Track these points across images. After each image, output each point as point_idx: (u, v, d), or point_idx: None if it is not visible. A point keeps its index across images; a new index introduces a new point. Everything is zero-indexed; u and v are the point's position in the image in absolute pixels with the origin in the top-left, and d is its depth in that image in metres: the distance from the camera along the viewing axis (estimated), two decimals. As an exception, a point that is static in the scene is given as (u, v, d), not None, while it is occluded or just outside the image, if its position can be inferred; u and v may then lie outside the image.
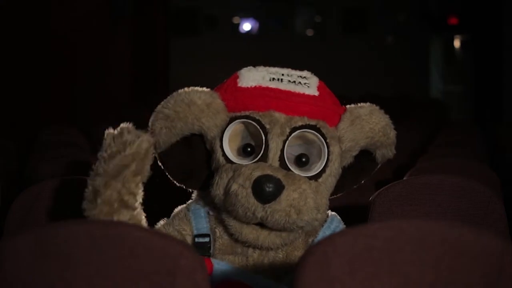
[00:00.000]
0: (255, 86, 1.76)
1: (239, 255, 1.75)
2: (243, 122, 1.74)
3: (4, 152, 3.92)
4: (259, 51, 11.47)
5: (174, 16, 11.34)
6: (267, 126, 1.71)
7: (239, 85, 1.78)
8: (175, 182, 1.84)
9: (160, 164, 1.80)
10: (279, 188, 1.62)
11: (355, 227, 1.31)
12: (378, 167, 1.92)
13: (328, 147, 1.73)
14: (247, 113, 1.74)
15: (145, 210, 1.72)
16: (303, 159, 1.73)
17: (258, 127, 1.71)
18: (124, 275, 1.29)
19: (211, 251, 1.76)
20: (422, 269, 1.28)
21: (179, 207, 1.86)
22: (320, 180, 1.73)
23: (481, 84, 9.96)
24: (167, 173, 1.82)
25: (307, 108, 1.75)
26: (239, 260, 1.75)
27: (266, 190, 1.61)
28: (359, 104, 1.86)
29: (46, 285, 1.29)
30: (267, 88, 1.76)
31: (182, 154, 1.79)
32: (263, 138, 1.70)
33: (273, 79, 1.78)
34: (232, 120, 1.74)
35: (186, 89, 1.77)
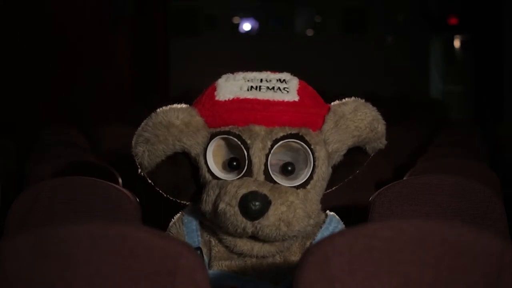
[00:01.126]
0: (233, 99, 1.72)
1: (236, 260, 1.75)
2: (223, 138, 1.71)
3: (4, 152, 3.92)
4: (259, 51, 11.49)
5: (174, 16, 11.35)
6: (248, 141, 1.68)
7: (216, 98, 1.73)
8: (167, 196, 1.83)
9: (150, 182, 1.80)
10: (266, 204, 1.61)
11: (355, 227, 1.31)
12: (371, 157, 1.88)
13: (313, 154, 1.70)
14: (227, 128, 1.70)
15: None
16: (289, 168, 1.70)
17: (239, 142, 1.68)
18: (124, 275, 1.29)
19: (205, 262, 1.75)
20: (422, 269, 1.28)
21: (175, 217, 1.86)
22: (308, 187, 1.70)
23: (481, 84, 9.96)
24: (158, 190, 1.82)
25: (287, 117, 1.70)
26: (237, 265, 1.75)
27: (252, 208, 1.60)
28: (343, 100, 1.79)
29: (46, 285, 1.29)
30: (245, 100, 1.71)
31: (169, 172, 1.78)
32: (245, 153, 1.68)
33: (251, 87, 1.73)
34: (213, 136, 1.71)
35: (164, 108, 1.74)
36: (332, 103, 1.80)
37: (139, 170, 1.79)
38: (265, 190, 1.63)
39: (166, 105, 1.78)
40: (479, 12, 9.88)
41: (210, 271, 1.74)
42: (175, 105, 1.76)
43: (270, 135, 1.69)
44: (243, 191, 1.63)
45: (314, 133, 1.73)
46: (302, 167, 1.71)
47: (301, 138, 1.70)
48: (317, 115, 1.75)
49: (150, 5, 9.42)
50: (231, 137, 1.69)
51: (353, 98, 1.81)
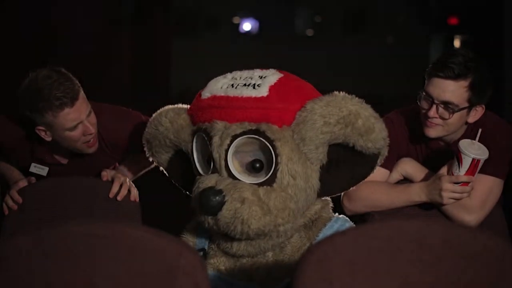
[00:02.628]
0: (210, 96, 1.74)
1: (227, 262, 1.76)
2: (198, 136, 1.76)
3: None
4: (259, 51, 11.47)
5: (174, 16, 11.34)
6: (212, 138, 1.70)
7: (201, 97, 1.78)
8: (184, 191, 1.89)
9: (167, 176, 1.91)
10: (221, 199, 1.62)
11: (355, 227, 1.31)
12: (379, 158, 1.75)
13: (274, 150, 1.66)
14: (201, 125, 1.75)
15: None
16: (257, 165, 1.67)
17: (206, 138, 1.72)
18: (124, 275, 1.29)
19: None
20: (422, 269, 1.28)
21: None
22: (275, 185, 1.66)
23: (481, 84, 9.94)
24: (176, 185, 1.91)
25: (246, 113, 1.68)
26: (228, 267, 1.76)
27: (208, 203, 1.62)
28: (320, 97, 1.71)
29: (46, 285, 1.29)
30: (215, 97, 1.73)
31: (182, 166, 1.85)
32: (210, 149, 1.71)
33: (231, 85, 1.72)
34: (193, 133, 1.77)
35: (162, 109, 1.85)
36: (309, 100, 1.71)
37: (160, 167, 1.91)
38: (222, 185, 1.64)
39: (166, 105, 1.84)
40: (479, 12, 9.87)
41: (215, 274, 1.75)
42: (171, 106, 1.84)
43: (227, 131, 1.67)
44: (202, 186, 1.67)
45: (278, 129, 1.67)
46: (270, 164, 1.68)
47: (262, 134, 1.66)
48: (283, 111, 1.68)
49: (150, 5, 9.41)
50: (201, 133, 1.74)
51: (335, 92, 1.72)
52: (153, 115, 1.86)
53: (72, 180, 2.21)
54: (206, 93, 1.76)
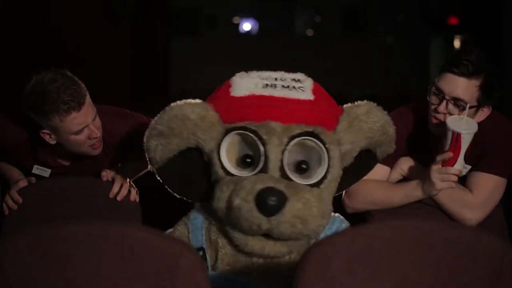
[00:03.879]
0: (249, 95, 1.72)
1: (242, 263, 1.74)
2: (239, 134, 1.71)
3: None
4: (259, 51, 11.48)
5: (174, 16, 11.35)
6: (265, 137, 1.67)
7: (232, 94, 1.74)
8: (175, 194, 1.83)
9: (158, 178, 1.79)
10: (283, 200, 1.61)
11: (355, 227, 1.31)
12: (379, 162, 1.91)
13: (328, 153, 1.71)
14: (243, 124, 1.70)
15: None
16: (304, 166, 1.70)
17: (256, 138, 1.68)
18: (124, 275, 1.29)
19: (207, 264, 1.75)
20: (422, 269, 1.28)
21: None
22: (322, 186, 1.71)
23: (481, 84, 9.94)
24: (166, 187, 1.81)
25: (303, 115, 1.71)
26: (242, 267, 1.74)
27: (269, 203, 1.60)
28: (356, 103, 1.82)
29: (46, 285, 1.29)
30: (261, 97, 1.72)
31: (180, 168, 1.77)
32: (262, 149, 1.68)
33: (267, 85, 1.74)
34: (228, 131, 1.71)
35: (178, 102, 1.75)
36: (345, 105, 1.81)
37: (149, 166, 1.79)
38: (281, 186, 1.63)
39: (166, 105, 1.78)
40: (479, 12, 9.88)
41: (214, 273, 1.74)
42: (189, 100, 1.76)
43: (287, 132, 1.69)
44: (260, 186, 1.62)
45: (329, 132, 1.73)
46: (316, 166, 1.72)
47: (317, 137, 1.70)
48: (331, 115, 1.76)
49: (150, 5, 9.42)
50: (247, 132, 1.69)
51: (365, 101, 1.82)
52: (172, 108, 1.73)
53: (72, 180, 2.21)
54: (241, 91, 1.73)
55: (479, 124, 2.04)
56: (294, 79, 1.77)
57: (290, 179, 1.68)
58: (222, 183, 1.70)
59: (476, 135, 2.00)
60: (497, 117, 2.11)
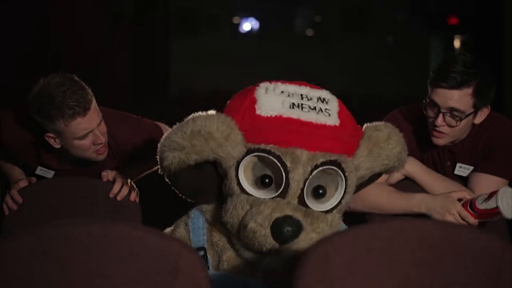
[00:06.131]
0: (276, 116, 1.68)
1: (248, 263, 1.74)
2: (262, 156, 1.68)
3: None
4: (259, 51, 11.47)
5: (174, 16, 11.34)
6: (289, 164, 1.66)
7: (257, 112, 1.70)
8: (183, 197, 1.81)
9: (168, 182, 1.77)
10: (299, 230, 1.62)
11: (355, 227, 1.31)
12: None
13: (346, 181, 1.71)
14: (267, 147, 1.66)
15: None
16: (321, 191, 1.70)
17: (279, 164, 1.66)
18: (124, 275, 1.29)
19: (208, 264, 1.75)
20: (422, 269, 1.28)
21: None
22: (335, 211, 1.72)
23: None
24: (175, 190, 1.79)
25: (330, 144, 1.70)
26: (247, 269, 1.74)
27: (285, 233, 1.61)
28: (376, 125, 1.81)
29: (46, 285, 1.29)
30: (288, 120, 1.68)
31: (191, 175, 1.73)
32: (283, 175, 1.66)
33: (293, 105, 1.70)
34: (250, 151, 1.68)
35: (202, 115, 1.68)
36: (365, 126, 1.81)
37: (159, 170, 1.75)
38: (299, 215, 1.63)
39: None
40: (479, 12, 9.88)
41: (217, 273, 1.74)
42: (212, 113, 1.69)
43: (311, 161, 1.67)
44: (277, 214, 1.62)
45: (350, 160, 1.73)
46: (332, 190, 1.72)
47: (339, 166, 1.70)
48: (354, 141, 1.76)
49: (150, 5, 9.41)
50: (271, 157, 1.66)
51: (383, 123, 1.83)
52: (196, 123, 1.65)
53: (72, 180, 2.21)
54: (267, 110, 1.69)
55: (481, 125, 2.04)
56: (319, 98, 1.74)
57: (306, 205, 1.68)
58: (237, 200, 1.68)
59: (477, 137, 2.00)
60: (498, 119, 2.11)
